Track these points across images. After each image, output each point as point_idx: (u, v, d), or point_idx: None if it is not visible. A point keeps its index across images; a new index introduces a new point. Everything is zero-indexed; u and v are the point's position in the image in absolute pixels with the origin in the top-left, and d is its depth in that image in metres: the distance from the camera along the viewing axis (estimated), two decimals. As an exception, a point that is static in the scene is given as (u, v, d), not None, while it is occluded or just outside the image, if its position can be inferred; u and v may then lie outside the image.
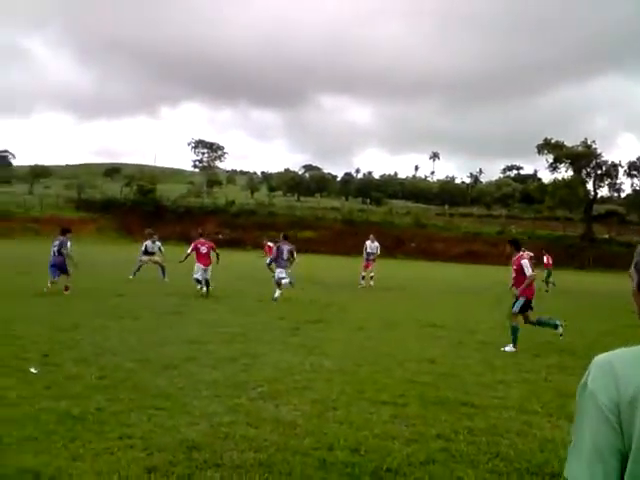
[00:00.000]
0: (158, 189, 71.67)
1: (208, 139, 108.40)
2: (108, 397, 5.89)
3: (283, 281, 15.55)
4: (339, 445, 4.84)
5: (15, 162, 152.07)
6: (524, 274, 10.18)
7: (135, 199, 65.92)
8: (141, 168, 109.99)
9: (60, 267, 14.96)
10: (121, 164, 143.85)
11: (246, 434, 5.02)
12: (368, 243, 22.43)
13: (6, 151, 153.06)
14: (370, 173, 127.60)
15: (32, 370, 6.76)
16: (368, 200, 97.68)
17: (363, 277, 21.64)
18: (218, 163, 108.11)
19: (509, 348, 9.81)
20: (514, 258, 10.48)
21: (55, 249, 15.19)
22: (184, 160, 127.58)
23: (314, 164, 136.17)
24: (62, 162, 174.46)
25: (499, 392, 6.92)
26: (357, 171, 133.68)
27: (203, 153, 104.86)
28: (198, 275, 15.95)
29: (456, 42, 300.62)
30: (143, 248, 20.39)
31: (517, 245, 10.79)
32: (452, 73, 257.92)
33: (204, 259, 16.08)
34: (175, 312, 12.11)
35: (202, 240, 16.70)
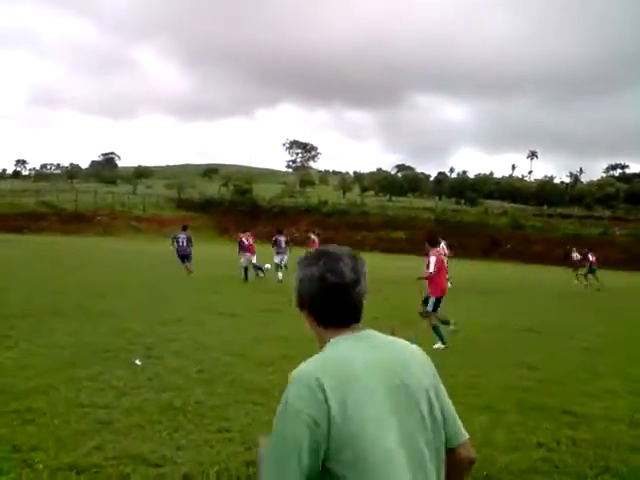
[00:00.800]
0: (254, 189, 73.34)
1: (302, 140, 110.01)
2: (207, 390, 6.09)
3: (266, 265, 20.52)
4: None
5: (120, 163, 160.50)
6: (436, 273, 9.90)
7: (232, 199, 67.73)
8: (238, 168, 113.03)
9: (187, 256, 19.58)
10: (219, 165, 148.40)
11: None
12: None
13: (112, 153, 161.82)
14: (465, 172, 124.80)
15: (137, 362, 7.11)
16: (462, 200, 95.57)
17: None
18: (311, 163, 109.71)
19: (438, 345, 9.55)
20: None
21: (184, 242, 19.85)
22: (278, 160, 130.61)
23: (407, 164, 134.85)
24: (163, 163, 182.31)
25: (605, 402, 6.57)
26: (451, 170, 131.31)
27: (297, 153, 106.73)
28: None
29: (556, 35, 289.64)
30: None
31: (431, 241, 10.70)
32: (552, 67, 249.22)
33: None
34: (271, 310, 12.35)
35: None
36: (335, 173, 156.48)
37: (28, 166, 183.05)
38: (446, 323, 10.66)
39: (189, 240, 19.88)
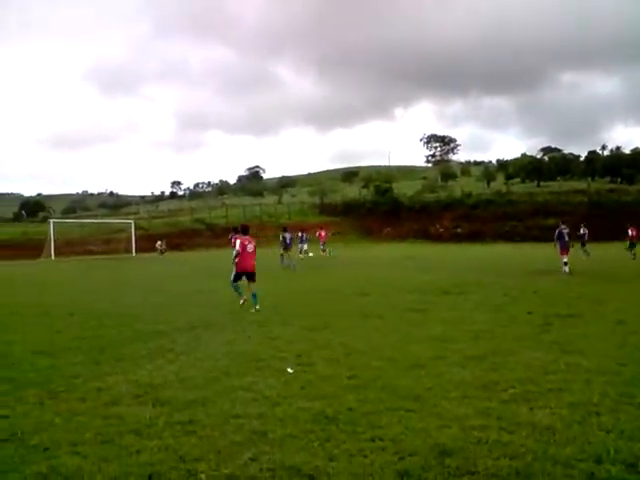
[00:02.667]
0: (394, 187, 73.11)
1: (440, 134, 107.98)
2: (359, 397, 6.02)
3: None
4: (609, 457, 4.32)
5: (265, 176, 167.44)
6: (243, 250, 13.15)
7: (373, 199, 67.96)
8: (377, 169, 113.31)
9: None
10: (357, 167, 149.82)
11: (500, 439, 4.75)
12: (564, 230, 21.86)
13: (257, 167, 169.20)
14: (619, 149, 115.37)
15: (288, 370, 7.21)
16: (618, 179, 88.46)
17: (566, 263, 21.05)
18: (451, 156, 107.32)
19: (241, 300, 13.33)
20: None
21: (289, 240, 26.87)
22: (417, 157, 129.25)
23: (553, 146, 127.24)
24: (305, 171, 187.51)
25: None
26: (603, 148, 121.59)
27: (436, 147, 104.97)
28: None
29: None
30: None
31: (243, 230, 13.93)
32: None
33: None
34: (417, 310, 12.11)
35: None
36: (477, 163, 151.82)
37: (182, 186, 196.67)
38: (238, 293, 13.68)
39: (292, 239, 27.59)
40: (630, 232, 28.73)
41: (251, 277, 13.28)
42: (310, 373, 7.08)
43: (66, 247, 46.49)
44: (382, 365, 7.41)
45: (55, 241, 44.60)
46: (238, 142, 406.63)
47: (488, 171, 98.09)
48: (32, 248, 45.81)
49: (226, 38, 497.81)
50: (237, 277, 13.50)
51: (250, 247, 13.41)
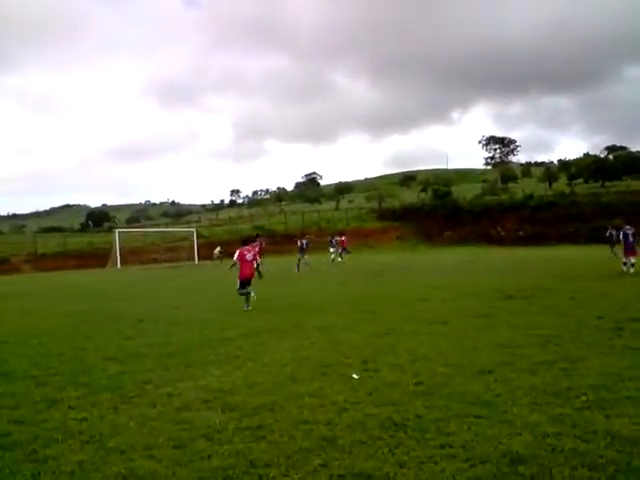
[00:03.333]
0: (453, 191, 72.18)
1: (499, 135, 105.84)
2: (426, 404, 5.96)
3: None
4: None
5: (322, 182, 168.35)
6: (242, 260, 14.81)
7: (432, 203, 67.23)
8: (434, 172, 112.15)
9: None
10: (415, 171, 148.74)
11: (576, 448, 4.61)
12: (629, 231, 21.29)
13: (314, 173, 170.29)
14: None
15: (354, 376, 7.22)
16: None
17: (632, 264, 20.60)
18: (511, 157, 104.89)
19: (246, 307, 14.51)
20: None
21: (306, 244, 30.30)
22: (475, 159, 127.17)
23: (618, 144, 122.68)
24: (362, 176, 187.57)
25: None
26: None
27: (495, 149, 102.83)
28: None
29: None
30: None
31: (243, 242, 15.91)
32: None
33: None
34: (483, 315, 11.90)
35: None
36: (537, 164, 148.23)
37: (241, 194, 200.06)
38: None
39: (307, 244, 30.56)
40: None
41: (249, 283, 14.85)
42: (376, 379, 7.06)
43: (131, 256, 47.94)
44: (448, 371, 7.31)
45: (120, 250, 46.01)
46: (295, 149, 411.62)
47: (550, 172, 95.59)
48: (99, 257, 47.49)
49: (282, 47, 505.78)
50: (242, 285, 14.72)
51: (249, 256, 15.01)
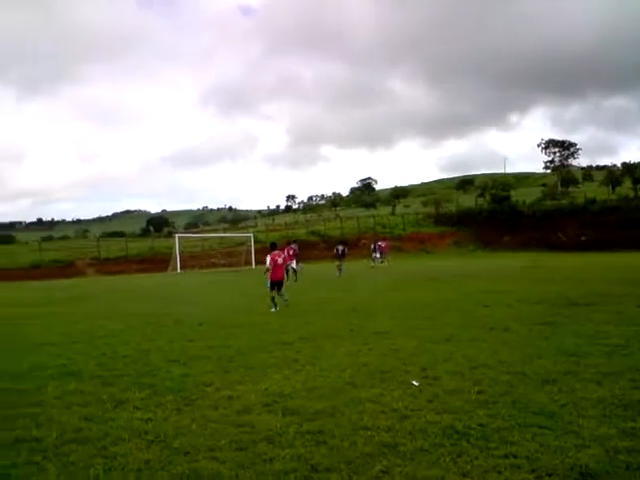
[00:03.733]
0: (512, 195, 70.64)
1: (558, 138, 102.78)
2: (488, 412, 5.86)
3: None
4: None
5: (377, 187, 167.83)
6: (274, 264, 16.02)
7: (490, 208, 65.93)
8: (492, 177, 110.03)
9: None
10: (472, 176, 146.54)
11: (653, 466, 4.43)
12: None
13: (369, 178, 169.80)
14: None
15: (414, 383, 7.16)
16: None
17: None
18: (571, 161, 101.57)
19: (273, 309, 15.46)
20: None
21: (342, 251, 31.46)
22: (534, 163, 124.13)
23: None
24: (417, 181, 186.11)
25: None
26: None
27: (554, 153, 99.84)
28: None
29: None
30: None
31: (271, 246, 16.90)
32: None
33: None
34: (546, 322, 11.60)
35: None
36: (599, 168, 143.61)
37: (297, 200, 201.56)
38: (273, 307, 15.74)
39: (344, 250, 31.86)
40: None
41: (280, 286, 16.11)
42: (436, 386, 6.98)
43: (191, 260, 48.81)
44: (511, 380, 7.17)
45: (180, 254, 46.97)
46: (350, 155, 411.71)
47: (613, 175, 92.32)
48: (159, 262, 48.53)
49: (337, 52, 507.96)
50: (272, 286, 16.03)
51: (279, 260, 16.35)
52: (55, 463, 4.93)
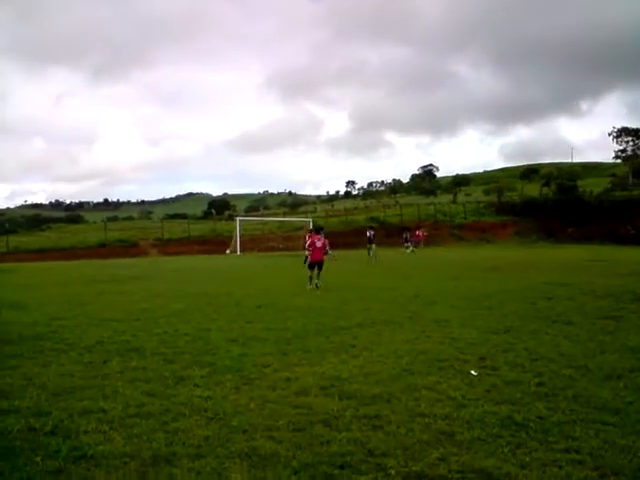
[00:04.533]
0: (579, 185, 68.43)
1: (633, 126, 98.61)
2: (548, 405, 5.75)
3: None
4: None
5: (439, 174, 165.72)
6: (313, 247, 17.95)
7: (555, 198, 64.04)
8: (558, 166, 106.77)
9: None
10: (537, 165, 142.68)
11: None
12: None
13: (431, 165, 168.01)
14: None
15: (472, 372, 7.08)
16: None
17: None
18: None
19: (309, 286, 17.39)
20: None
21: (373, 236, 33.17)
22: (604, 153, 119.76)
23: None
24: (480, 169, 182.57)
25: None
26: None
27: (627, 142, 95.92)
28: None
29: None
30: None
31: (316, 230, 20.02)
32: None
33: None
34: (611, 317, 11.24)
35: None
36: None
37: (357, 186, 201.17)
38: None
39: (374, 235, 33.46)
40: None
41: (319, 266, 17.81)
42: (495, 377, 6.89)
43: (250, 243, 49.57)
44: (573, 373, 7.00)
45: (240, 237, 47.71)
46: (413, 141, 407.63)
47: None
48: (220, 243, 49.44)
49: (402, 38, 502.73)
50: (310, 266, 17.97)
51: (318, 244, 18.07)
52: (121, 433, 5.13)
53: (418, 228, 45.99)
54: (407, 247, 41.44)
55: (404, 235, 43.11)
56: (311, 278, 17.73)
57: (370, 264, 29.43)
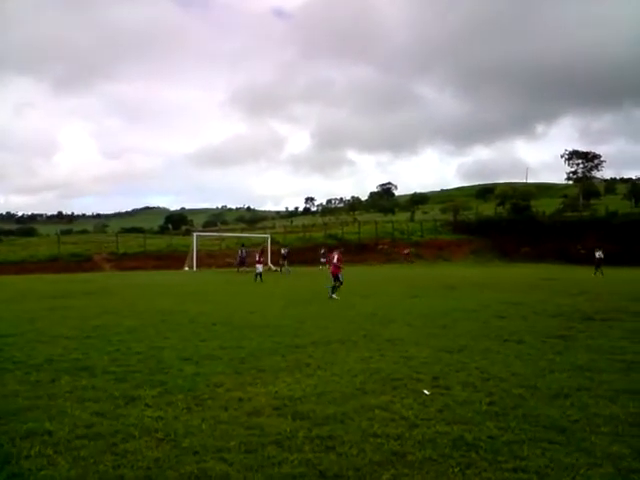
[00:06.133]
0: (532, 205, 70.16)
1: (584, 150, 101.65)
2: (499, 425, 5.83)
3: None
4: None
5: (397, 192, 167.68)
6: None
7: (509, 218, 65.55)
8: (513, 186, 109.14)
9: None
10: (493, 184, 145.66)
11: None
12: None
13: (389, 183, 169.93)
14: None
15: (425, 392, 7.13)
16: None
17: None
18: (595, 173, 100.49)
19: (334, 296, 19.46)
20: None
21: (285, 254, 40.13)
22: (556, 174, 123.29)
23: None
24: (438, 188, 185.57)
25: None
26: None
27: (577, 164, 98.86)
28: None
29: None
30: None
31: (329, 249, 28.77)
32: None
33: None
34: (560, 336, 11.50)
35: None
36: (624, 181, 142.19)
37: (316, 202, 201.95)
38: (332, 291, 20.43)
39: (288, 252, 41.71)
40: None
41: (335, 279, 20.77)
42: (447, 396, 6.95)
43: (207, 259, 49.15)
44: (523, 393, 7.12)
45: (197, 253, 47.23)
46: (374, 160, 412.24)
47: (636, 188, 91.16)
48: (176, 259, 48.89)
49: (368, 58, 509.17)
50: (336, 278, 20.84)
51: (335, 259, 21.90)
52: (66, 457, 4.99)
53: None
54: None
55: (321, 251, 46.26)
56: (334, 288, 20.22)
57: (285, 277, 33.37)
